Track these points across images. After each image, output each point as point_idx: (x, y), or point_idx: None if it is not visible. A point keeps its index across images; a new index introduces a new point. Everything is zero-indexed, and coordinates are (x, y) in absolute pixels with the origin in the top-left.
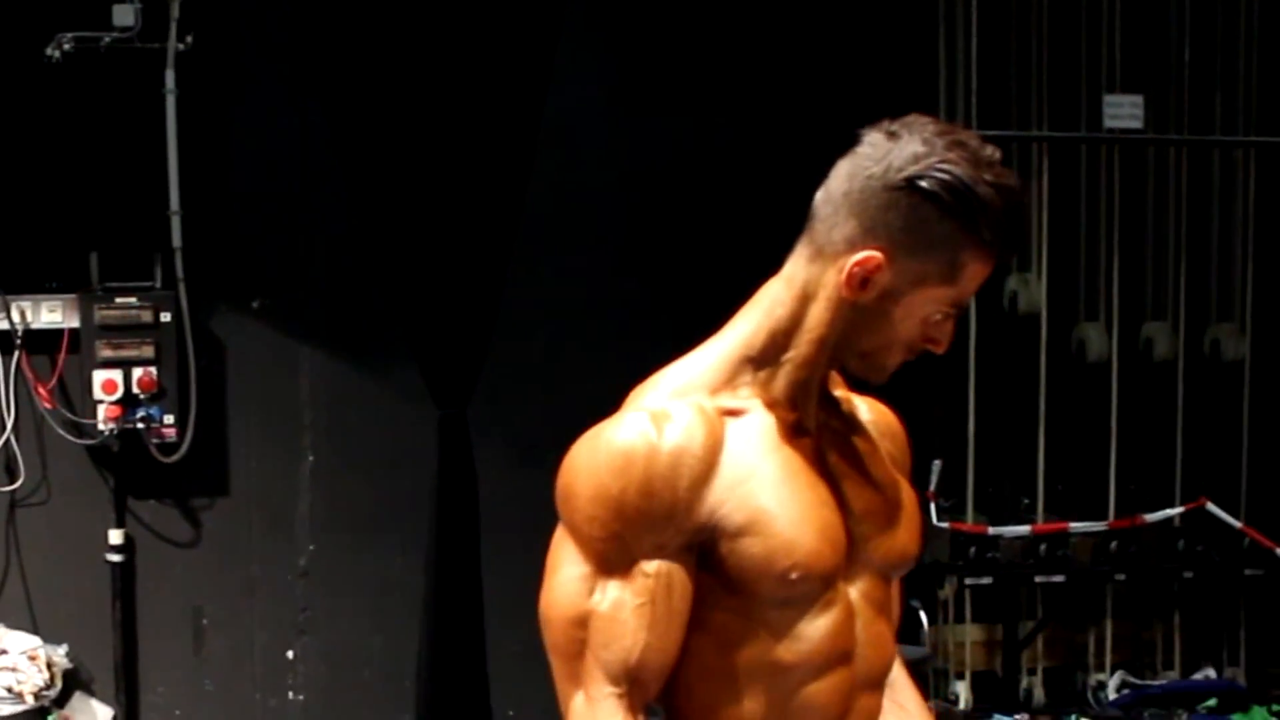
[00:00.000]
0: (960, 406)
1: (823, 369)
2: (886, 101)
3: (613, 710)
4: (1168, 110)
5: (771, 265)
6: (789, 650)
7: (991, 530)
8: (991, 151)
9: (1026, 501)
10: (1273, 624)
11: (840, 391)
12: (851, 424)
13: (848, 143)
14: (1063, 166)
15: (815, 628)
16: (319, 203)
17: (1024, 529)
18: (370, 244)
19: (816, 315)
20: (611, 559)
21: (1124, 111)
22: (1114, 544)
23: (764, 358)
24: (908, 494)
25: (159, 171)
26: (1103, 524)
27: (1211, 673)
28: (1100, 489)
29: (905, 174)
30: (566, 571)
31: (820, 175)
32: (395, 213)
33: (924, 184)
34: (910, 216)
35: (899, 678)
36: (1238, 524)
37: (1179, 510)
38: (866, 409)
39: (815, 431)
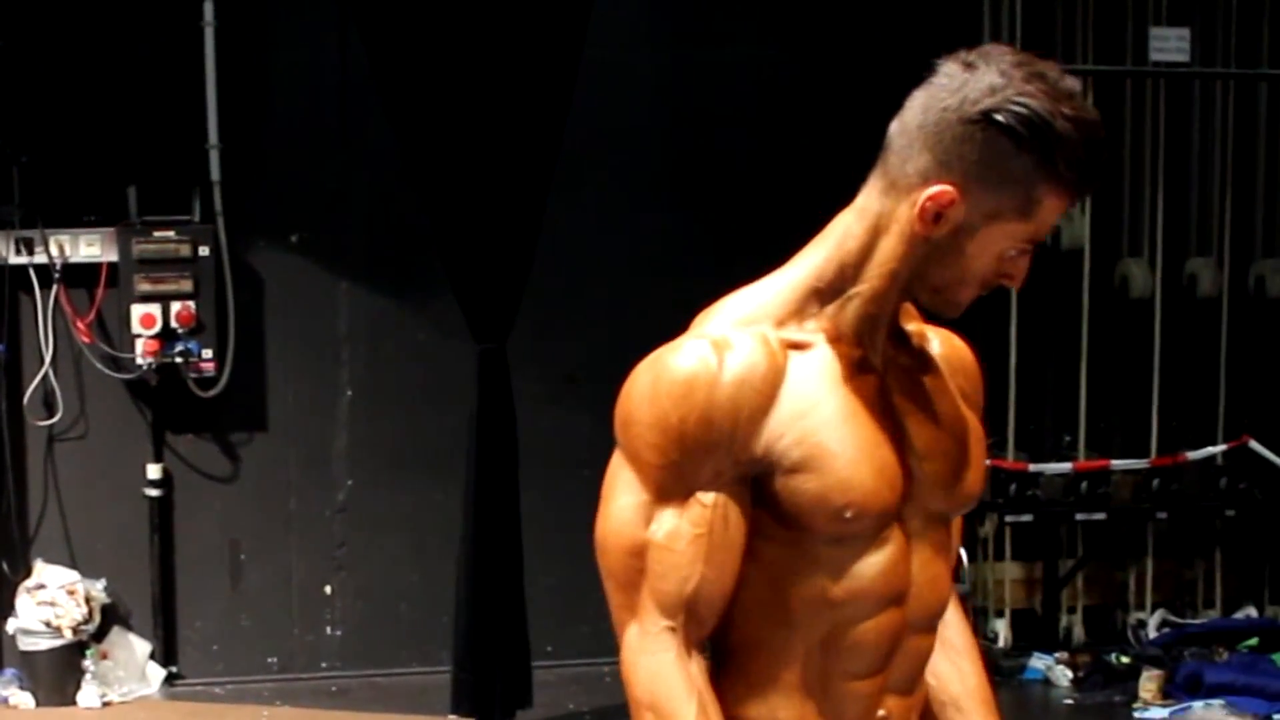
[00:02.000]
0: (1002, 343)
1: (892, 303)
2: (931, 34)
3: (666, 644)
4: (1214, 44)
5: (816, 199)
6: (841, 587)
7: (1032, 467)
8: (1071, 84)
9: (1068, 439)
10: None
11: (913, 325)
12: (921, 359)
13: (883, 77)
14: (1108, 100)
15: (868, 566)
16: (358, 137)
17: (1065, 466)
18: (410, 178)
19: (888, 249)
20: (669, 488)
21: (1170, 45)
22: (1156, 481)
23: (832, 290)
24: (975, 432)
25: (198, 105)
26: (1144, 461)
27: (1253, 611)
28: (1142, 426)
29: (981, 107)
30: (623, 499)
31: (858, 108)
32: (435, 147)
33: (1000, 117)
34: (985, 150)
35: (951, 613)
36: None
37: (1221, 448)
38: (940, 343)
39: (881, 368)
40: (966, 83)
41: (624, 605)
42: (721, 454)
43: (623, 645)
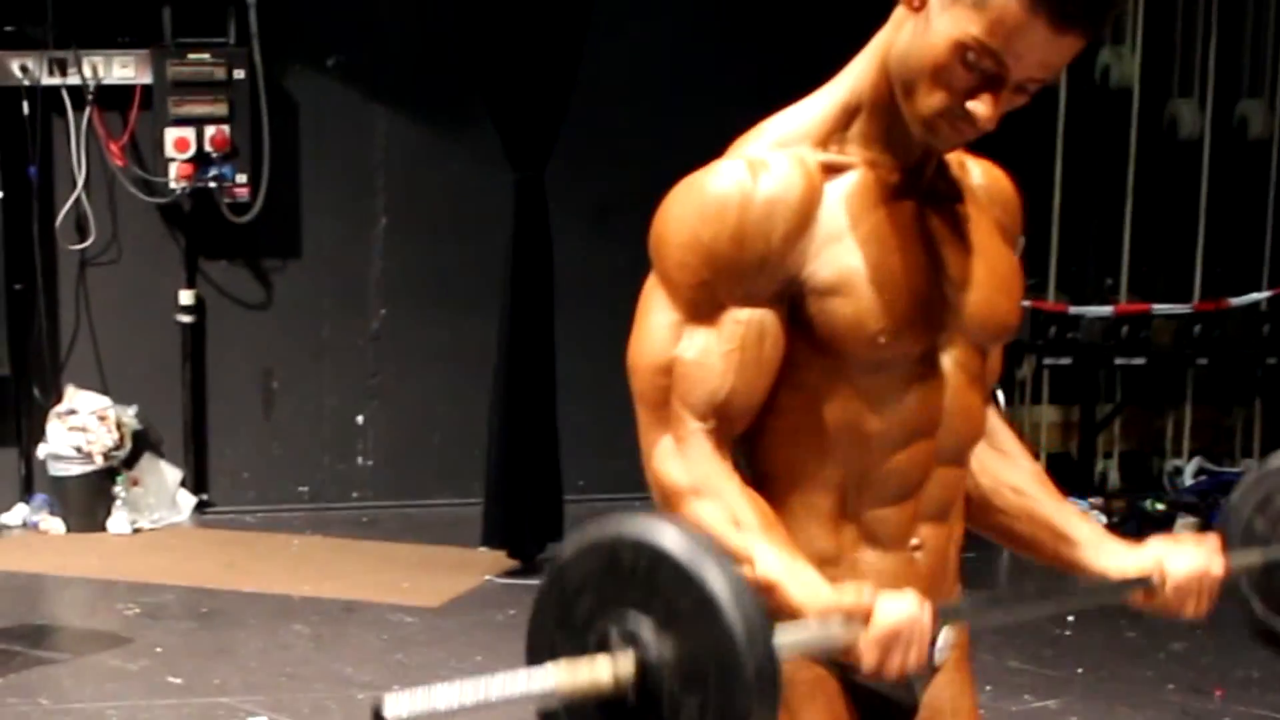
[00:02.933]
0: (1046, 182)
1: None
2: None
3: (701, 444)
4: None
5: (859, 27)
6: (876, 414)
7: (1072, 310)
8: None
9: (1110, 281)
10: None
11: (955, 154)
12: (960, 187)
13: None
14: None
15: (904, 394)
16: None
17: (1106, 309)
18: (448, 3)
19: (886, 40)
20: (701, 306)
21: None
22: (1197, 327)
23: (868, 106)
24: (1010, 263)
25: None
26: (1187, 306)
27: None
28: (1186, 270)
29: None
30: (655, 319)
31: None
32: None
33: None
34: None
35: (997, 427)
36: None
37: (1266, 294)
38: (981, 173)
39: (920, 192)
40: None
41: (653, 423)
42: (754, 273)
43: (653, 459)
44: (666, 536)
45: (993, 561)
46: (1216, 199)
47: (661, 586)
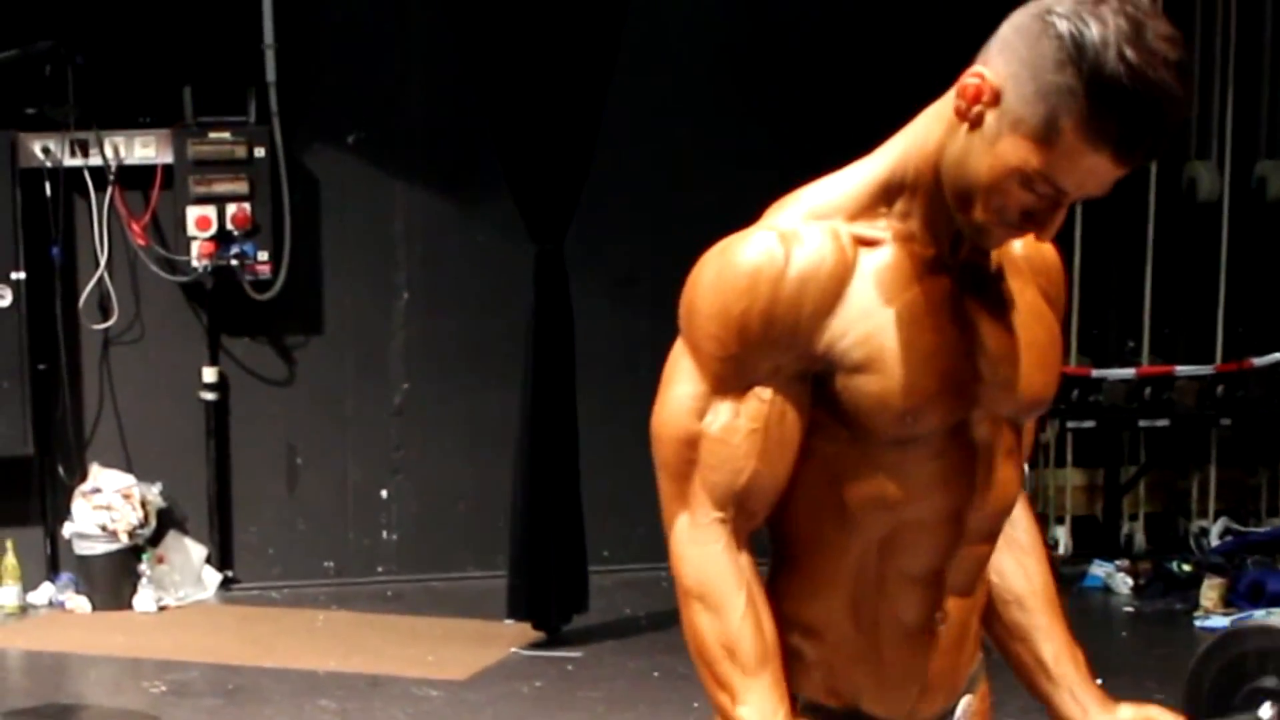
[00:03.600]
0: (1066, 246)
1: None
2: None
3: (716, 535)
4: None
5: (875, 100)
6: (901, 489)
7: (1095, 373)
8: (1164, 40)
9: (1131, 344)
10: None
11: None
12: (999, 258)
13: None
14: None
15: (930, 469)
16: (416, 35)
17: (1128, 371)
18: (467, 77)
19: (937, 132)
20: (727, 380)
21: None
22: (1220, 388)
23: (905, 185)
24: (1052, 334)
25: (253, 4)
26: (1209, 367)
27: None
28: (1207, 332)
29: (1051, 7)
30: (681, 389)
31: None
32: (492, 45)
33: (1058, 22)
34: (1033, 51)
35: (1019, 512)
36: None
37: None
38: (1022, 242)
39: (956, 267)
40: None
41: (675, 496)
42: (782, 349)
43: (671, 536)
44: None
45: None
46: (1236, 259)
47: None
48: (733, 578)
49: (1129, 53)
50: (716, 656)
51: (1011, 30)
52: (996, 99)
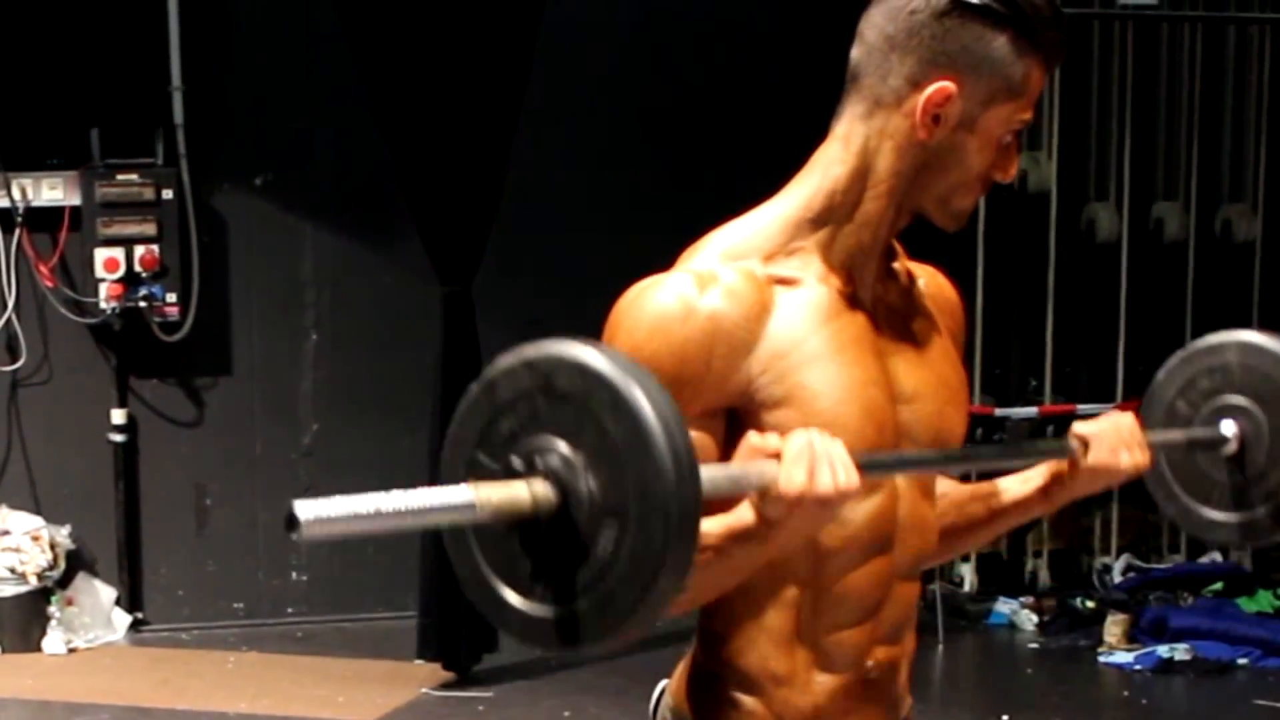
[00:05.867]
0: (968, 286)
1: (887, 228)
2: None
3: None
4: None
5: (784, 139)
6: (829, 534)
7: (998, 411)
8: None
9: (1034, 383)
10: None
11: (899, 263)
12: (909, 297)
13: (847, 9)
14: (1075, 43)
15: (857, 511)
16: (323, 78)
17: (1031, 410)
18: (375, 120)
19: (884, 167)
20: None
21: None
22: None
23: (823, 220)
24: (959, 373)
25: (160, 46)
26: (1111, 406)
27: (1217, 556)
28: (1109, 370)
29: (927, 5)
30: None
31: (824, 44)
32: (400, 88)
33: (972, 1)
34: (965, 38)
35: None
36: None
37: None
38: (926, 280)
39: (871, 304)
40: None
41: None
42: (692, 390)
43: None
44: (605, 364)
45: (929, 667)
46: (1136, 300)
47: (594, 413)
48: None
49: None
50: (709, 529)
51: (923, 42)
52: (950, 98)
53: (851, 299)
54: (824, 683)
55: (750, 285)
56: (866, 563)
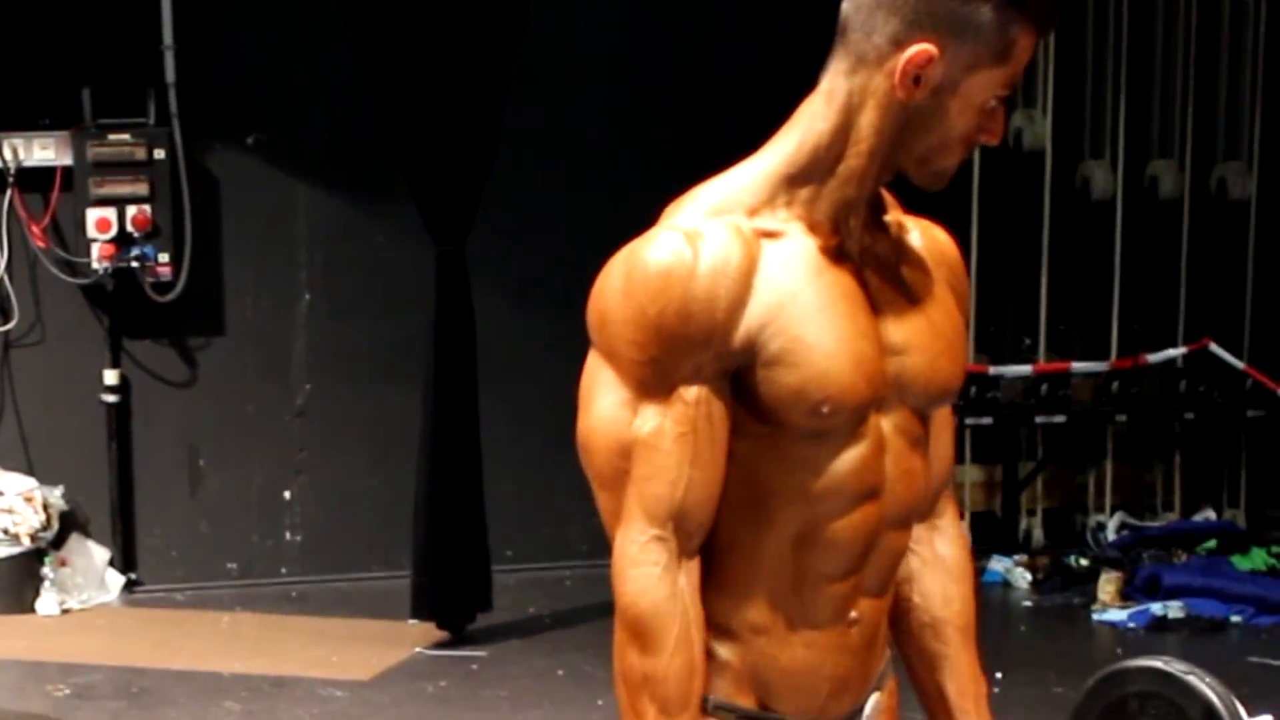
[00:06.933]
0: (962, 245)
1: (871, 184)
2: None
3: (655, 556)
4: None
5: (776, 98)
6: (817, 483)
7: (992, 370)
8: None
9: (1028, 341)
10: (1273, 466)
11: (892, 215)
12: (899, 249)
13: None
14: (1070, 1)
15: (844, 461)
16: (315, 36)
17: (1025, 369)
18: (367, 78)
19: (866, 124)
20: (650, 384)
21: None
22: (1116, 384)
23: (806, 175)
24: (954, 324)
25: (152, 5)
26: (1105, 364)
27: (1211, 514)
28: (1103, 329)
29: None
30: (604, 399)
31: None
32: (392, 46)
33: None
34: (951, 1)
35: (950, 528)
36: (1240, 365)
37: (1182, 351)
38: (920, 234)
39: (858, 257)
40: None
41: (612, 510)
42: (701, 347)
43: (614, 550)
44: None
45: None
46: (1130, 257)
47: None
48: (668, 608)
49: None
50: (637, 686)
51: (907, 3)
52: (931, 60)
53: (838, 252)
54: (804, 636)
55: (738, 239)
56: (853, 510)
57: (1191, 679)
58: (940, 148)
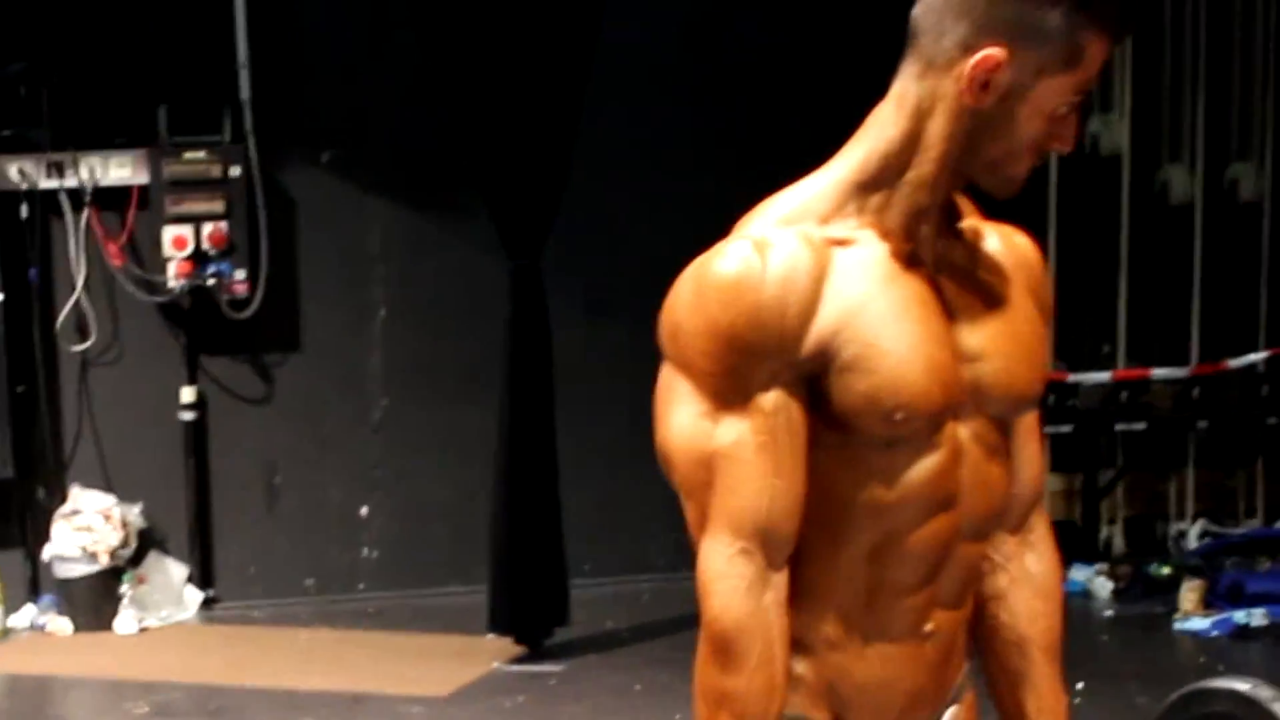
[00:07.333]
0: (1040, 251)
1: (942, 190)
2: None
3: (741, 570)
4: None
5: (853, 103)
6: (890, 493)
7: (1071, 377)
8: None
9: (1107, 348)
10: None
11: (969, 221)
12: (976, 255)
13: None
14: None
15: (918, 470)
16: (390, 53)
17: (1105, 376)
18: (442, 94)
19: (935, 131)
20: (727, 394)
21: None
22: (1196, 390)
23: (877, 183)
24: (1034, 329)
25: (226, 23)
26: (1185, 370)
27: None
28: (1182, 334)
29: None
30: (683, 411)
31: (891, 5)
32: (467, 61)
33: None
34: (1020, 6)
35: (1043, 544)
36: None
37: (1263, 355)
38: (999, 239)
39: (933, 263)
40: None
41: (697, 519)
42: (774, 355)
43: (699, 560)
44: None
45: None
46: (1210, 262)
47: None
48: (752, 625)
49: None
50: (715, 702)
51: (977, 7)
52: (999, 66)
53: (911, 259)
54: (879, 649)
55: (808, 247)
56: (928, 521)
57: (1277, 707)
58: (1009, 154)
